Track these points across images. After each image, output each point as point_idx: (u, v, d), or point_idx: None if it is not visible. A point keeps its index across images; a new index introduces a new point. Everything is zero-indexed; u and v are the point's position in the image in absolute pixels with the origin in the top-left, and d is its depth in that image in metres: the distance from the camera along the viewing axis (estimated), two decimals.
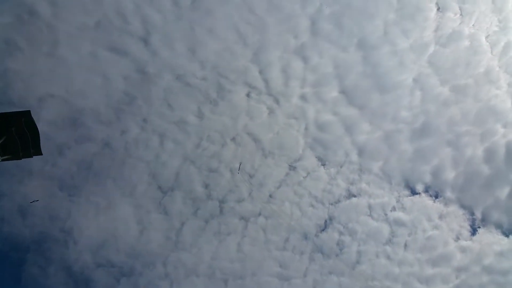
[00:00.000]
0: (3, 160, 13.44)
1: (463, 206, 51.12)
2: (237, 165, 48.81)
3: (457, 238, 51.28)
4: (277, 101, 50.17)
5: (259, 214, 50.38)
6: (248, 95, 49.07)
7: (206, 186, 48.75)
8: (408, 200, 51.77)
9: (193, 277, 46.95)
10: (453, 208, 51.38)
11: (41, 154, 14.17)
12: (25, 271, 40.82)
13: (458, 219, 51.51)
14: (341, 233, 51.00)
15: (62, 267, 41.41)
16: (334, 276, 50.10)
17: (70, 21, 41.35)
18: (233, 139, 49.33)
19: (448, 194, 51.40)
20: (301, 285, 49.52)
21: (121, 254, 44.32)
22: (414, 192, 51.76)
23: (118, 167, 44.84)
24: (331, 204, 51.39)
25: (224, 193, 49.51)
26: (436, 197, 51.78)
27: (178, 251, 46.92)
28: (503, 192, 49.44)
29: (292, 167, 50.74)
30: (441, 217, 51.76)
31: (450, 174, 51.12)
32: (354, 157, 51.03)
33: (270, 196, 50.74)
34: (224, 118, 48.15)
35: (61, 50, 40.97)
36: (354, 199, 51.57)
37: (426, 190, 51.85)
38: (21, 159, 14.13)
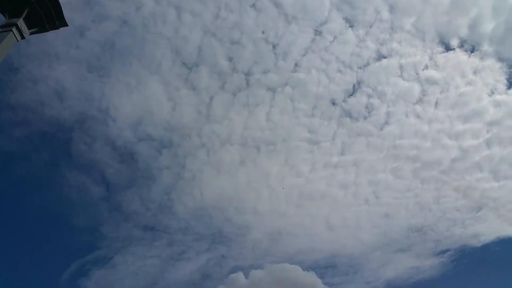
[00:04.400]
0: (31, 33, 14.03)
1: (501, 59, 49.69)
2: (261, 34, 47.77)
3: (492, 93, 51.06)
4: None
5: (286, 84, 51.31)
6: None
7: (230, 59, 49.07)
8: (442, 57, 50.63)
9: (228, 145, 50.90)
10: (490, 62, 50.08)
11: (67, 25, 14.46)
12: (73, 148, 45.54)
13: (494, 74, 50.52)
14: (370, 96, 51.90)
15: (106, 142, 45.77)
16: (362, 138, 52.78)
17: None
18: (253, 5, 47.44)
19: (485, 47, 49.65)
20: (330, 147, 52.85)
21: (158, 128, 47.97)
22: (448, 48, 50.30)
23: (140, 45, 45.36)
24: (360, 68, 51.16)
25: (249, 65, 49.96)
26: (472, 51, 50.22)
27: (211, 124, 50.01)
28: None
29: (317, 32, 49.38)
30: (475, 72, 50.89)
31: (489, 25, 48.50)
32: (385, 14, 48.67)
33: (296, 64, 50.81)
34: None
35: None
36: (384, 61, 50.95)
37: (461, 45, 50.16)
38: (48, 31, 14.55)
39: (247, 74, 49.96)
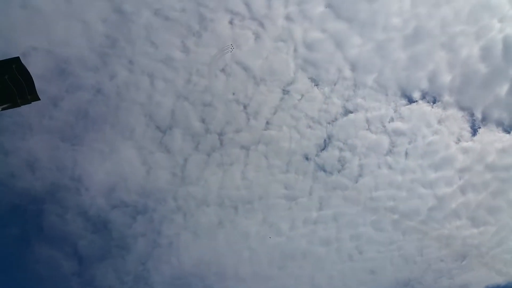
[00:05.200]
0: (2, 109, 14.96)
1: (462, 108, 53.45)
2: (231, 96, 50.55)
3: (458, 140, 54.30)
4: (262, 25, 50.74)
5: (259, 142, 53.42)
6: (231, 22, 49.63)
7: (203, 120, 51.27)
8: (406, 109, 54.21)
9: (204, 207, 51.32)
10: (452, 111, 53.73)
11: (39, 99, 15.57)
12: (45, 221, 45.15)
13: (458, 122, 54.04)
14: (341, 150, 54.21)
15: (78, 212, 45.64)
16: (338, 191, 54.18)
17: None
18: (223, 70, 50.71)
19: (446, 98, 53.54)
20: (307, 203, 53.85)
21: (133, 194, 48.36)
22: (411, 100, 54.08)
23: (114, 112, 47.24)
24: (329, 123, 54.03)
25: (222, 125, 52.17)
26: (434, 102, 54.05)
27: (186, 186, 50.79)
28: (503, 89, 51.46)
29: (285, 91, 52.68)
30: (440, 121, 54.32)
31: (446, 78, 52.80)
32: (347, 72, 52.57)
33: (267, 123, 53.35)
34: (210, 50, 49.13)
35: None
36: (351, 115, 54.11)
37: (423, 97, 54.02)
38: (20, 106, 15.52)
39: (220, 134, 52.07)
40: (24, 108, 15.85)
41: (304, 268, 54.11)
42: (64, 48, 44.26)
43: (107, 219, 47.05)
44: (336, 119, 53.67)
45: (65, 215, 45.59)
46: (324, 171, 54.05)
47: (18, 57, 14.74)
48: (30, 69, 15.35)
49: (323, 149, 54.24)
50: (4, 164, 42.51)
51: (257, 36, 50.67)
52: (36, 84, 15.63)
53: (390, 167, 54.52)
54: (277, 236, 53.95)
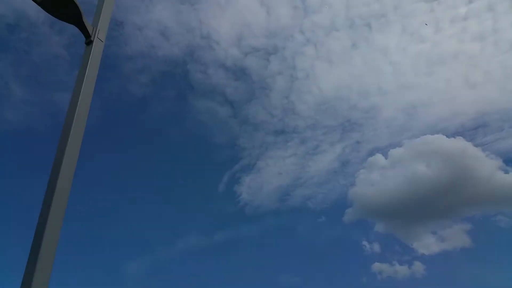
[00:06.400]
0: None
1: None
2: None
3: None
4: None
5: None
6: None
7: None
8: None
9: (334, 33, 48.97)
10: None
11: None
12: (192, 79, 49.64)
13: None
14: None
15: (218, 66, 48.65)
16: None
17: None
18: None
19: None
20: None
21: (260, 38, 48.56)
22: None
23: None
24: None
25: None
26: None
27: (310, 16, 48.17)
28: None
29: None
30: None
31: None
32: None
33: None
34: None
35: None
36: None
37: None
38: None
39: None
40: None
41: (454, 70, 49.76)
42: None
43: (243, 66, 49.25)
44: None
45: (207, 71, 49.28)
46: None
47: None
48: None
49: None
50: (143, 38, 46.22)
51: None
52: None
53: None
54: (421, 43, 49.37)
